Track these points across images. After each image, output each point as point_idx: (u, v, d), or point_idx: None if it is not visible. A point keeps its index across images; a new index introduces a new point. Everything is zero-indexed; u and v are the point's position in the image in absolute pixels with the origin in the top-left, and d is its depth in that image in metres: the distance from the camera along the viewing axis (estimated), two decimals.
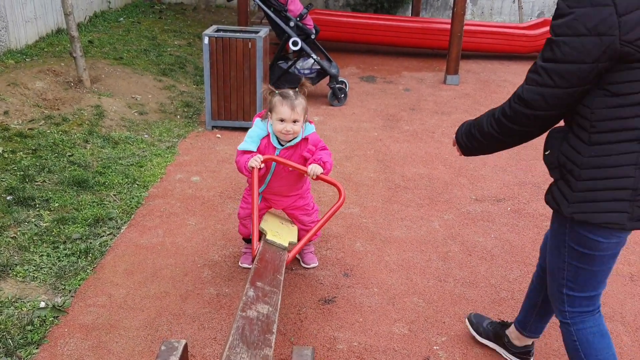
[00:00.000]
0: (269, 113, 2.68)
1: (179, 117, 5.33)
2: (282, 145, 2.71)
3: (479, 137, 2.06)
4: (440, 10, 10.60)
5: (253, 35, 4.78)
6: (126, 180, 3.96)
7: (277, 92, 2.64)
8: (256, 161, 2.59)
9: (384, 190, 4.04)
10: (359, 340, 2.58)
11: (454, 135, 2.21)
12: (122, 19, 8.64)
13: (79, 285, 2.87)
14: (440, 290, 2.97)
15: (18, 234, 3.22)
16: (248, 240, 3.03)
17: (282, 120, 2.62)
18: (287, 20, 5.63)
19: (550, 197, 1.97)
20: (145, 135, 4.80)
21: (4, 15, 6.08)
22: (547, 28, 7.89)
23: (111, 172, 4.04)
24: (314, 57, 5.67)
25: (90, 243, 3.22)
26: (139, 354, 2.44)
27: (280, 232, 2.65)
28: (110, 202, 3.68)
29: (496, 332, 2.52)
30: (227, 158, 4.47)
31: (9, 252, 3.06)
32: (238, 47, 4.74)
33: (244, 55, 4.76)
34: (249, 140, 2.70)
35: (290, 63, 5.79)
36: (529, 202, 3.95)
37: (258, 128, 2.72)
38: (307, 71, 5.78)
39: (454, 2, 6.63)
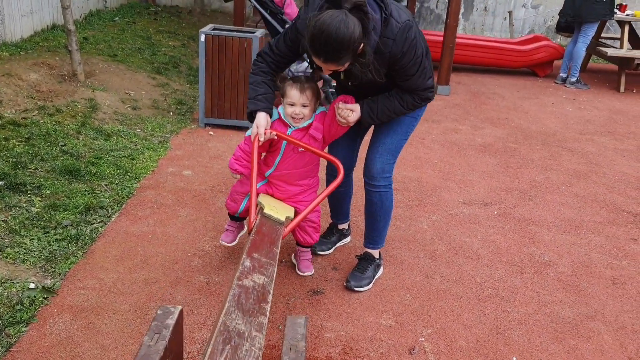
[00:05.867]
0: (281, 99, 2.71)
1: (171, 113, 5.36)
2: (294, 126, 2.72)
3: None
4: (433, 24, 10.75)
5: (249, 34, 4.84)
6: (118, 171, 3.98)
7: (288, 77, 2.67)
8: (257, 129, 2.59)
9: None
10: (346, 330, 2.62)
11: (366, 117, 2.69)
12: (117, 18, 8.67)
13: (69, 268, 2.88)
14: (426, 285, 3.02)
15: (9, 217, 3.23)
16: (233, 217, 2.99)
17: (292, 105, 2.65)
18: (283, 23, 5.68)
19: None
20: (138, 130, 4.83)
21: (1, 8, 6.09)
22: (538, 44, 8.05)
23: (103, 162, 4.06)
24: (309, 60, 5.72)
25: (81, 229, 3.23)
26: (128, 336, 2.46)
27: (277, 207, 2.65)
28: (101, 191, 3.69)
29: (338, 235, 3.33)
30: (220, 155, 4.51)
31: (0, 235, 3.06)
32: (234, 46, 4.79)
33: (240, 54, 4.82)
34: None
35: None
36: (515, 207, 4.02)
37: None
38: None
39: (447, 14, 6.75)
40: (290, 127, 2.72)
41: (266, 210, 2.53)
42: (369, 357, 2.46)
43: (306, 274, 2.99)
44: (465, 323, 2.74)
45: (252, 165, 2.58)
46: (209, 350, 1.34)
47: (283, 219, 2.54)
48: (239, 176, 2.82)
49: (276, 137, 2.67)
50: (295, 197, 2.80)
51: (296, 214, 2.71)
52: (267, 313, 1.43)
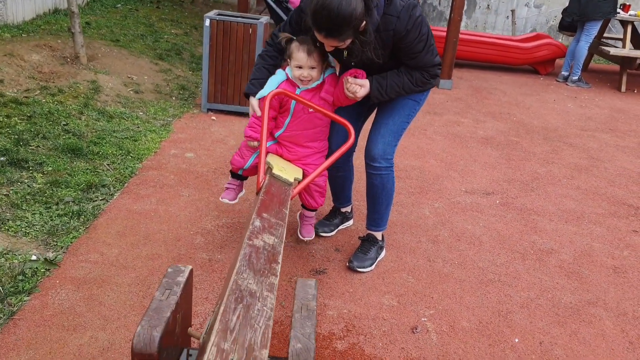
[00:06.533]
0: (288, 60, 2.67)
1: (174, 98, 5.35)
2: (302, 87, 2.68)
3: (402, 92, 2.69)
4: (435, 20, 10.75)
5: (254, 20, 4.82)
6: (120, 151, 3.96)
7: (294, 38, 2.62)
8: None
9: None
10: (348, 308, 2.61)
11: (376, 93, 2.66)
12: (119, 5, 8.64)
13: (71, 242, 2.87)
14: (429, 269, 3.01)
15: (11, 192, 3.21)
16: (236, 175, 2.96)
17: (299, 67, 2.62)
18: (287, 11, 5.68)
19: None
20: (140, 113, 4.81)
21: None
22: (540, 42, 8.05)
23: (105, 143, 4.04)
24: (311, 37, 5.72)
25: (83, 206, 3.21)
26: (130, 307, 2.45)
27: (286, 168, 2.62)
28: (103, 170, 3.68)
29: (340, 218, 3.34)
30: (222, 139, 4.49)
31: (1, 208, 3.05)
32: (239, 32, 4.78)
33: (244, 40, 4.80)
34: (267, 87, 2.68)
35: None
36: (517, 197, 4.03)
37: (277, 75, 2.71)
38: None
39: (451, 8, 6.75)
40: (298, 88, 2.70)
41: (275, 171, 2.50)
42: (372, 335, 2.46)
43: (307, 238, 3.00)
44: (468, 305, 2.74)
45: (262, 122, 2.54)
46: (222, 308, 1.33)
47: (292, 180, 2.50)
48: (256, 143, 2.79)
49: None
50: (304, 160, 2.78)
51: (304, 176, 2.69)
52: (278, 274, 1.43)
